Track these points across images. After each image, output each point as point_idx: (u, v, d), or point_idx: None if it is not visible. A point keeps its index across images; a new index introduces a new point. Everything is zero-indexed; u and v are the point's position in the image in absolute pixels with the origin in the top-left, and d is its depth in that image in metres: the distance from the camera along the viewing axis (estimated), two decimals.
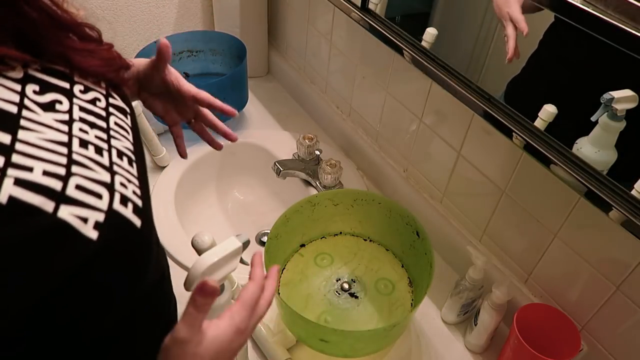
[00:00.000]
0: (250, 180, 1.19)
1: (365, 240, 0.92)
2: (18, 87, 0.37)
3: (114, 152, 0.41)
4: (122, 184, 0.39)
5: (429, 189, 0.95)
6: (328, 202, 0.87)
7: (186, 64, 1.23)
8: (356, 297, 0.83)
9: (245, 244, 0.60)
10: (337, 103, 1.16)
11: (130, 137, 0.45)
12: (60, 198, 0.34)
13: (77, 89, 0.42)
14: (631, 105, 0.52)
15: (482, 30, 0.70)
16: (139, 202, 0.41)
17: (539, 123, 0.62)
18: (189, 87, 0.68)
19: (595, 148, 0.57)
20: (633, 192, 0.54)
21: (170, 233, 0.94)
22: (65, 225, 0.34)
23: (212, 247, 0.60)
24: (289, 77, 1.32)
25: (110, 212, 0.37)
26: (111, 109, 0.45)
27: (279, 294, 0.81)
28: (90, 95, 0.43)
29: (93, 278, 0.37)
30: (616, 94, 0.52)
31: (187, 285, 0.56)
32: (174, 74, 0.66)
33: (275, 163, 1.04)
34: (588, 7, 0.50)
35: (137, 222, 0.39)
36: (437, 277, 0.90)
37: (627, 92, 0.51)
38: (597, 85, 0.56)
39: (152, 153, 1.05)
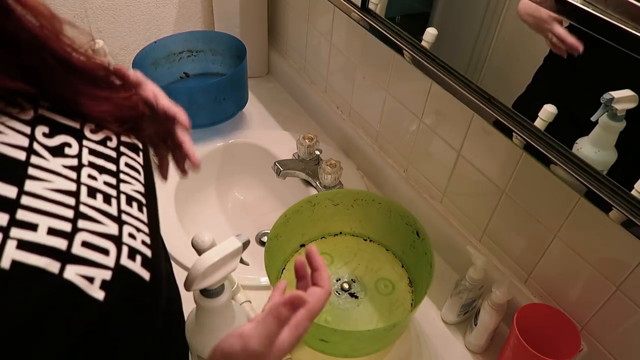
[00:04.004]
0: (250, 180, 1.19)
1: (365, 240, 0.92)
2: (28, 130, 0.36)
3: (122, 198, 0.40)
4: (130, 235, 0.38)
5: (429, 189, 0.95)
6: (328, 202, 0.87)
7: (186, 64, 1.23)
8: (356, 297, 0.83)
9: (245, 244, 0.60)
10: (337, 103, 1.16)
11: (142, 178, 0.44)
12: (66, 258, 0.33)
13: (87, 128, 0.41)
14: (631, 105, 0.52)
15: (482, 30, 0.70)
16: (148, 253, 0.39)
17: (539, 123, 0.62)
18: (163, 105, 0.60)
19: (595, 148, 0.57)
20: (633, 192, 0.54)
21: (170, 233, 0.94)
22: (71, 287, 0.32)
23: (212, 247, 0.60)
24: (289, 77, 1.32)
25: (118, 269, 0.35)
26: (122, 148, 0.43)
27: None
28: (101, 134, 0.42)
29: (99, 338, 0.35)
30: (616, 94, 0.52)
31: (187, 285, 0.56)
32: (151, 90, 0.59)
33: (275, 163, 1.04)
34: (588, 7, 0.50)
35: (146, 275, 0.38)
36: (437, 277, 0.90)
37: (627, 92, 0.51)
38: (597, 85, 0.56)
39: (153, 153, 1.05)
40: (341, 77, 1.11)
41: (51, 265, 0.32)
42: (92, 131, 0.41)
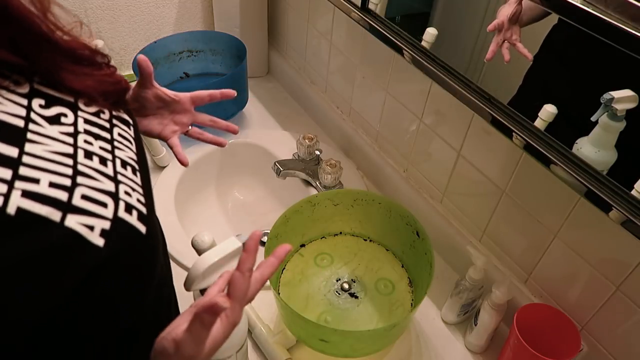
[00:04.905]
0: (250, 180, 1.19)
1: (365, 240, 0.92)
2: (24, 102, 0.38)
3: (117, 162, 0.42)
4: (126, 193, 0.40)
5: (429, 189, 0.95)
6: (328, 202, 0.87)
7: (186, 64, 1.23)
8: (356, 297, 0.83)
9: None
10: (337, 103, 1.16)
11: (134, 148, 0.46)
12: (67, 208, 0.35)
13: (81, 101, 0.43)
14: (631, 105, 0.52)
15: (482, 30, 0.70)
16: (144, 210, 0.41)
17: (539, 123, 0.62)
18: (184, 93, 0.68)
19: (595, 148, 0.57)
20: (633, 192, 0.54)
21: (170, 233, 0.94)
22: (72, 234, 0.34)
23: (212, 247, 0.61)
24: (289, 77, 1.32)
25: (116, 220, 0.37)
26: (115, 121, 0.46)
27: (278, 293, 0.81)
28: (95, 107, 0.44)
29: (101, 286, 0.37)
30: (616, 94, 0.52)
31: (187, 285, 0.56)
32: (162, 88, 0.67)
33: (275, 163, 1.04)
34: (588, 7, 0.50)
35: (142, 228, 0.40)
36: (437, 277, 0.90)
37: (627, 92, 0.51)
38: (597, 85, 0.56)
39: (152, 153, 1.05)
40: (341, 77, 1.11)
41: (53, 214, 0.34)
42: (86, 104, 0.43)
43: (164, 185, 1.04)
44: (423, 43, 0.77)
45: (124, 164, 0.43)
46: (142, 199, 0.42)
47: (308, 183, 1.06)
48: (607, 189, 0.57)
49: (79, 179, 0.37)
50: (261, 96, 1.32)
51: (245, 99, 1.20)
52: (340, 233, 0.92)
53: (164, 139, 0.72)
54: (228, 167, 1.17)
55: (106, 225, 0.36)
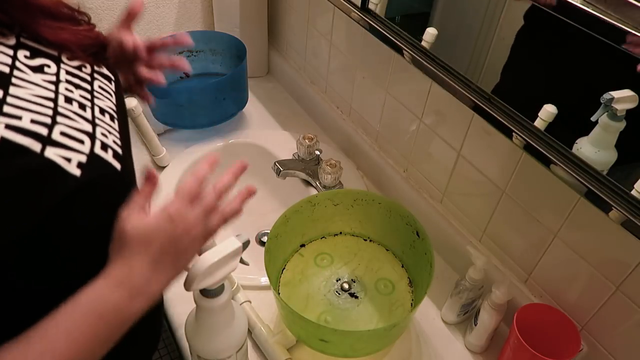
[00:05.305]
0: (250, 180, 1.18)
1: (365, 240, 0.92)
2: (10, 52, 0.41)
3: (96, 109, 0.46)
4: (102, 134, 0.44)
5: (429, 189, 0.95)
6: (328, 202, 0.87)
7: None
8: (356, 297, 0.83)
9: (245, 244, 0.60)
10: (337, 103, 1.16)
11: (113, 100, 0.50)
12: (46, 141, 0.38)
13: (64, 56, 0.47)
14: (631, 105, 0.52)
15: (482, 30, 0.70)
16: (119, 150, 0.45)
17: (539, 123, 0.62)
18: (136, 41, 0.62)
19: (595, 148, 0.57)
20: (633, 192, 0.54)
21: None
22: (51, 164, 0.38)
23: (212, 247, 0.61)
24: (289, 77, 1.32)
25: (92, 155, 0.41)
26: (96, 75, 0.49)
27: (278, 293, 0.81)
28: (77, 62, 0.47)
29: (76, 213, 0.41)
30: (616, 94, 0.52)
31: (186, 285, 0.56)
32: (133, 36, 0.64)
33: (275, 163, 1.04)
34: (588, 7, 0.50)
35: (117, 165, 0.44)
36: (437, 277, 0.90)
37: (627, 92, 0.51)
38: (596, 85, 0.56)
39: (152, 153, 1.05)
40: (341, 77, 1.11)
41: (34, 145, 0.37)
42: (69, 58, 0.47)
43: (164, 185, 1.04)
44: (423, 43, 0.77)
45: (102, 111, 0.46)
46: (119, 142, 0.46)
47: (308, 183, 1.06)
48: (607, 189, 0.57)
49: (59, 119, 0.41)
50: (261, 96, 1.32)
51: (245, 99, 1.20)
52: (340, 233, 0.92)
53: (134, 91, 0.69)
54: (228, 167, 1.17)
55: (82, 158, 0.40)
